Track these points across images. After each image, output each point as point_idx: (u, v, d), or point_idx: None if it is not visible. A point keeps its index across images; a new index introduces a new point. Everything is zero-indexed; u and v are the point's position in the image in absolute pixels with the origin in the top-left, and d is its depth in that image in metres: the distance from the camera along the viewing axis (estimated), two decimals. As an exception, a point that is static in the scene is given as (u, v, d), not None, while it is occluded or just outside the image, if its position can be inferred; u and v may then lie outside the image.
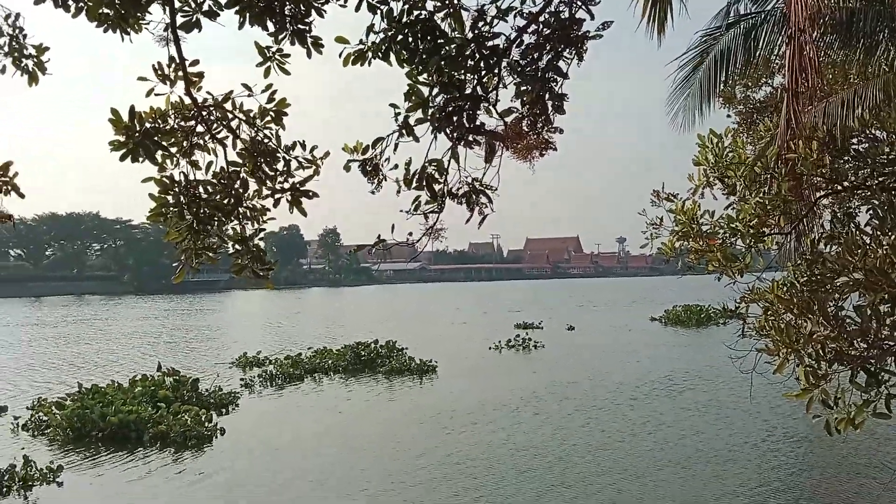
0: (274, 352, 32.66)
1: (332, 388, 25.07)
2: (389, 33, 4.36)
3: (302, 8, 5.01)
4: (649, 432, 17.29)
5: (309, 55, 5.15)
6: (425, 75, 4.14)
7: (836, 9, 9.46)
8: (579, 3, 3.89)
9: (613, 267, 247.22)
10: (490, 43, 4.01)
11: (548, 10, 3.93)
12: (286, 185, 5.19)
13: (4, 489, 13.27)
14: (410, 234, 4.27)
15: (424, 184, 4.26)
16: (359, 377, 26.92)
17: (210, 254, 5.16)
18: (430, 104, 4.12)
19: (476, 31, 4.00)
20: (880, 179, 5.93)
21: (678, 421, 18.44)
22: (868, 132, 6.84)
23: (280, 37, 5.09)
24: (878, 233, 4.85)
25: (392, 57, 4.39)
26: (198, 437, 17.15)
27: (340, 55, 4.58)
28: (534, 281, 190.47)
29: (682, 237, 6.16)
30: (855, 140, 6.88)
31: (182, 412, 18.29)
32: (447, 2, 4.16)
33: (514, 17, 4.00)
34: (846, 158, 6.57)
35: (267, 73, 5.21)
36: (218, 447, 16.78)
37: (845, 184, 5.95)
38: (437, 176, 4.27)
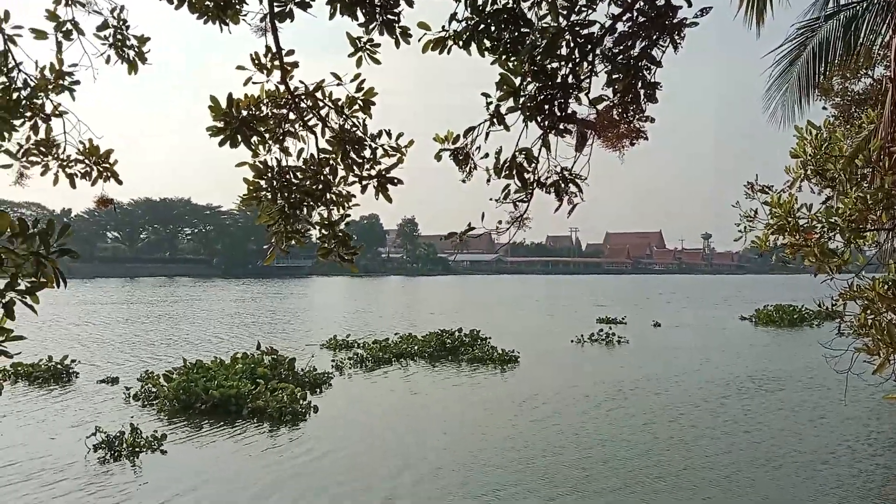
0: (362, 336, 33.58)
1: (418, 373, 25.44)
2: (472, 22, 4.37)
3: (391, -3, 5.10)
4: (745, 430, 16.83)
5: (397, 45, 5.24)
6: (516, 64, 4.13)
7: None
8: (676, -11, 3.79)
9: (698, 264, 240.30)
10: (585, 31, 3.97)
11: (644, -3, 3.85)
12: (373, 173, 5.31)
13: (115, 454, 14.16)
14: (500, 222, 4.29)
15: (514, 172, 4.26)
16: (443, 364, 27.21)
17: (298, 237, 5.35)
18: (521, 93, 4.11)
19: (570, 20, 3.96)
20: None
21: (770, 421, 17.86)
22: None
23: (370, 27, 5.20)
24: None
25: (473, 46, 4.40)
26: (293, 413, 17.81)
27: (420, 40, 4.63)
28: (613, 276, 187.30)
29: (777, 231, 5.94)
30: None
31: (279, 389, 19.03)
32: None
33: (609, 4, 3.94)
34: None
35: (359, 64, 5.32)
36: (311, 424, 17.37)
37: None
38: (526, 165, 4.26)
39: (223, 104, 5.00)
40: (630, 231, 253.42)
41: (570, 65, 4.04)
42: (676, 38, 3.87)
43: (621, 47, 3.94)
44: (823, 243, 6.03)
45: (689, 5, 3.83)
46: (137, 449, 14.38)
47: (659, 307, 61.60)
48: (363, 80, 5.22)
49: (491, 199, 4.30)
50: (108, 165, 5.86)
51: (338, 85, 5.28)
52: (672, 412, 18.90)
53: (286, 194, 5.17)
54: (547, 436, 16.32)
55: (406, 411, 19.14)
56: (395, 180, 5.26)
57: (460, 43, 4.42)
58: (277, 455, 14.71)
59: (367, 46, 5.25)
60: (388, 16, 5.15)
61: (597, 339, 34.65)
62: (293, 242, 5.20)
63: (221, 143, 5.08)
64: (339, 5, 5.13)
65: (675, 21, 3.85)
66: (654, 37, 3.88)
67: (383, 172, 5.23)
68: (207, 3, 5.33)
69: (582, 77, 4.07)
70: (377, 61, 5.18)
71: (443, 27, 4.51)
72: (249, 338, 34.54)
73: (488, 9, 4.34)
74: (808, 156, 6.03)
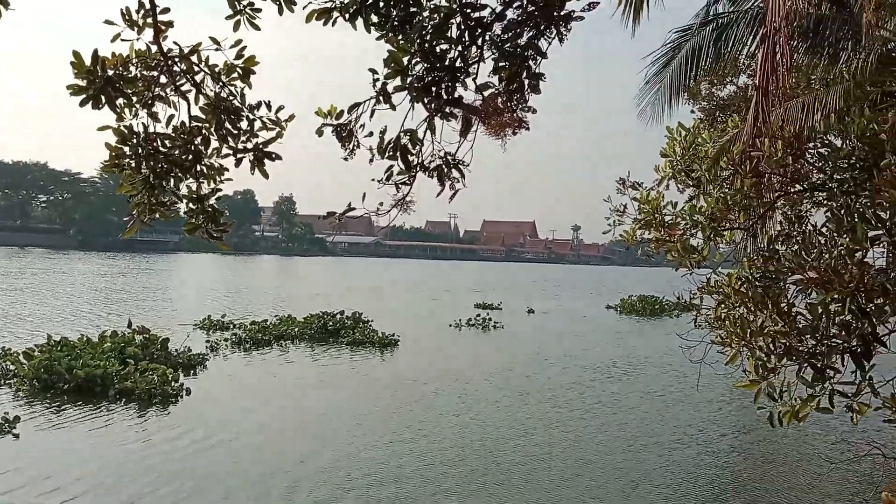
0: (238, 316, 32.54)
1: (298, 355, 25.06)
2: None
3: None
4: (612, 412, 17.83)
5: (280, 12, 4.99)
6: (404, 43, 4.04)
7: (805, 15, 9.60)
8: (565, -19, 3.84)
9: (566, 254, 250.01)
10: (475, 15, 3.93)
11: (534, -14, 3.87)
12: (249, 146, 5.06)
13: (-40, 437, 12.96)
14: (381, 203, 4.20)
15: (398, 154, 4.18)
16: (324, 346, 27.00)
17: (163, 210, 5.01)
18: (409, 73, 4.03)
19: (462, 2, 3.92)
20: (839, 182, 6.06)
21: (633, 403, 19.02)
22: (825, 138, 7.00)
23: (251, -10, 4.92)
24: (835, 234, 4.97)
25: (360, 21, 4.27)
26: (163, 395, 17.12)
27: (304, 8, 4.44)
28: (488, 263, 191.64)
29: (644, 226, 6.22)
30: (811, 144, 7.04)
31: (149, 370, 18.22)
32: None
33: (500, -11, 3.93)
34: (805, 161, 6.71)
35: (236, 28, 5.01)
36: (182, 407, 16.73)
37: (805, 184, 6.07)
38: (410, 147, 4.19)
39: (87, 61, 4.59)
40: (506, 220, 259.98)
41: (458, 48, 4.00)
42: (563, 30, 3.92)
43: (509, 35, 3.95)
44: (685, 240, 6.39)
45: (577, -2, 3.89)
46: (-16, 432, 13.26)
47: (532, 294, 63.65)
48: (244, 47, 4.94)
49: (373, 180, 4.20)
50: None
51: (216, 50, 4.97)
52: (544, 394, 19.75)
53: (152, 163, 4.81)
54: (425, 416, 16.59)
55: (284, 394, 18.77)
56: (273, 155, 5.01)
57: (346, 16, 4.26)
58: (138, 439, 13.99)
59: (247, 10, 4.95)
60: (272, -19, 4.89)
61: (474, 324, 35.51)
62: (157, 215, 4.86)
63: (83, 104, 4.67)
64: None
65: (562, 13, 3.89)
66: (542, 27, 3.91)
67: (260, 146, 4.98)
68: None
69: (470, 62, 4.05)
70: (256, 27, 4.89)
71: (329, -5, 4.33)
72: (118, 315, 32.72)
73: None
74: (677, 156, 6.35)
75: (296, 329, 28.90)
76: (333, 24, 4.26)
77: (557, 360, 25.77)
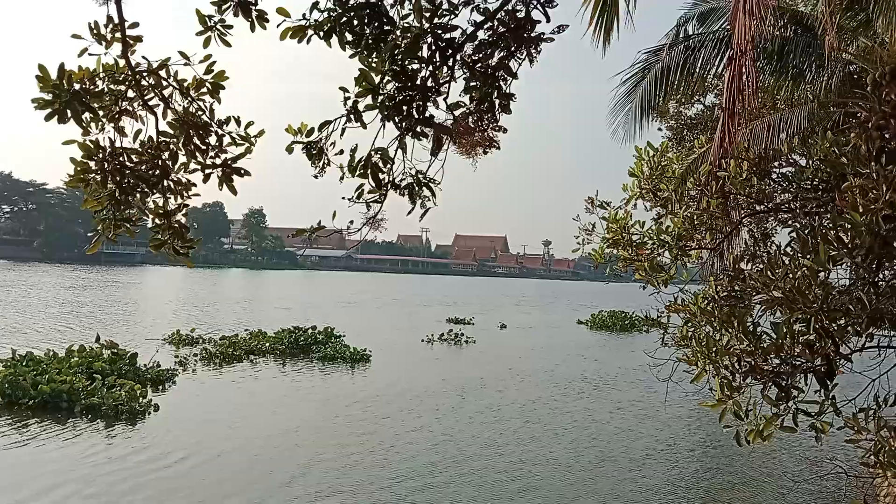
0: (208, 331, 31.98)
1: (269, 370, 24.73)
2: (335, 14, 4.25)
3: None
4: (584, 427, 17.92)
5: (252, 29, 4.97)
6: (377, 62, 4.05)
7: (771, 38, 9.82)
8: (535, 3, 3.88)
9: (537, 269, 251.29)
10: (447, 35, 3.96)
11: (505, 9, 3.91)
12: (217, 161, 5.01)
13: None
14: (351, 222, 4.18)
15: (369, 172, 4.17)
16: (295, 361, 26.74)
17: (129, 225, 4.94)
18: (381, 92, 4.04)
19: (433, 23, 3.94)
20: (802, 202, 6.19)
21: (605, 419, 19.09)
22: (790, 157, 7.15)
23: (224, 7, 4.90)
24: (799, 255, 5.06)
25: (335, 39, 4.28)
26: (130, 411, 16.78)
27: (278, 26, 4.44)
28: (460, 277, 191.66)
29: (612, 245, 6.29)
30: (776, 164, 7.18)
31: (117, 386, 17.92)
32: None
33: (471, 11, 3.97)
34: (769, 180, 6.84)
35: (207, 44, 4.99)
36: (150, 424, 16.37)
37: (770, 205, 6.18)
38: (381, 165, 4.19)
39: (53, 75, 4.53)
40: (477, 234, 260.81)
41: (430, 67, 4.02)
42: (533, 51, 3.97)
43: (480, 55, 3.98)
44: (653, 259, 6.46)
45: (548, 20, 3.94)
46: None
47: (505, 309, 63.73)
48: (213, 62, 4.90)
49: (343, 199, 4.19)
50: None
51: (185, 65, 4.93)
52: (516, 409, 19.77)
53: (118, 178, 4.75)
54: (396, 432, 16.48)
55: (253, 410, 18.44)
56: (242, 171, 4.98)
57: (321, 34, 4.27)
58: (107, 458, 13.63)
59: (219, 27, 4.92)
60: (245, -4, 4.87)
61: (446, 339, 35.45)
62: (122, 231, 4.78)
63: (48, 118, 4.60)
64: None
65: (532, 35, 3.93)
66: (513, 48, 3.95)
67: (229, 162, 4.94)
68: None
69: (441, 81, 4.07)
70: (227, 43, 4.87)
71: (303, 15, 4.34)
72: (86, 329, 31.98)
73: (351, 2, 4.22)
74: (644, 175, 6.43)
75: (266, 344, 28.49)
76: (308, 42, 4.26)
77: (529, 376, 25.82)
